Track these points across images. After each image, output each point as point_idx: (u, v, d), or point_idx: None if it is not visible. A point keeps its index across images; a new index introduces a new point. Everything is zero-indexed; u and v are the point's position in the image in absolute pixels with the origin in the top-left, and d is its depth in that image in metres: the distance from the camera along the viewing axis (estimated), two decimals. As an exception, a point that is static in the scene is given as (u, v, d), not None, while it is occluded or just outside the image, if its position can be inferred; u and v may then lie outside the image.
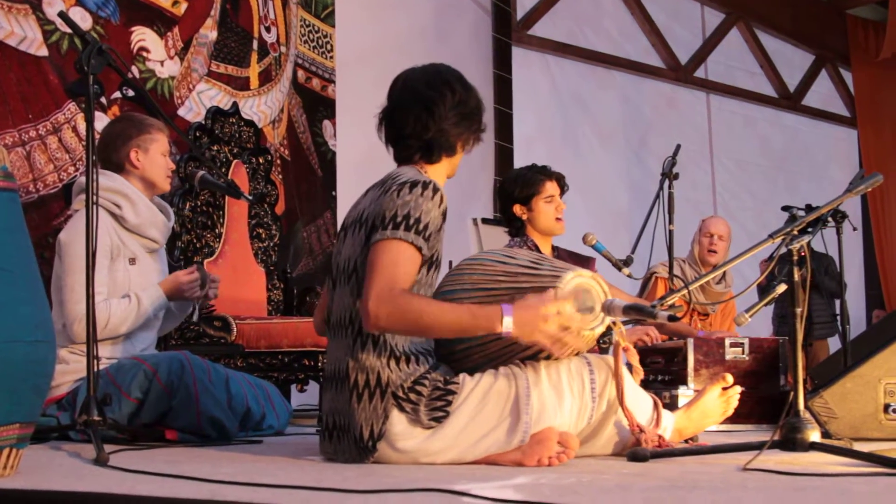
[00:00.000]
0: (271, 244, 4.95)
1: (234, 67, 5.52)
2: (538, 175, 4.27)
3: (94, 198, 2.85)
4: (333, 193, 6.26)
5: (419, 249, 2.45)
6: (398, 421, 2.46)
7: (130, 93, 4.69)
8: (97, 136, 3.31)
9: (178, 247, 4.38)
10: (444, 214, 2.52)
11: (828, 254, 7.08)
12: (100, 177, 3.35)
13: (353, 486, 2.07)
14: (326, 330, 2.71)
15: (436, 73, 2.67)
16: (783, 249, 2.69)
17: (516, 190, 4.25)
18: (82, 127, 4.57)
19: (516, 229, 4.32)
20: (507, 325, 2.39)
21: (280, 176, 5.65)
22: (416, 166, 2.65)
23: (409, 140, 2.65)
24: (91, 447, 2.66)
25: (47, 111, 4.48)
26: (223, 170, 4.64)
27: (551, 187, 4.25)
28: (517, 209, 4.25)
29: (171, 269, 3.77)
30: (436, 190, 2.49)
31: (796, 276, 2.62)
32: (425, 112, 2.62)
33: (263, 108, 5.67)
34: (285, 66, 5.92)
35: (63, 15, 3.04)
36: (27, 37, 4.43)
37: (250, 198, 4.09)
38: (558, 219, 4.25)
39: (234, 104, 4.95)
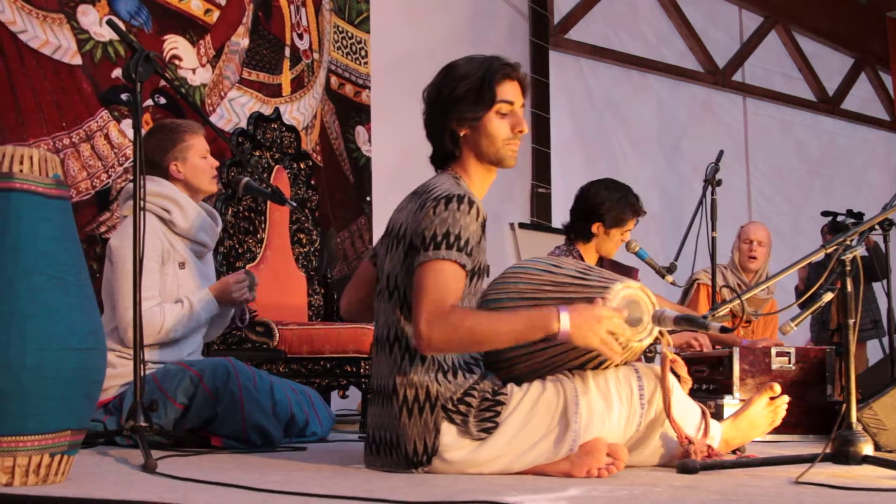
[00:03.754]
0: (312, 249, 4.95)
1: (266, 74, 5.55)
2: (633, 209, 4.22)
3: (142, 203, 2.86)
4: (368, 199, 6.28)
5: (463, 266, 2.44)
6: (447, 432, 2.45)
7: (162, 100, 4.74)
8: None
9: (221, 252, 4.39)
10: (482, 226, 2.51)
11: (877, 245, 7.00)
12: (148, 182, 3.38)
13: (403, 496, 2.06)
14: (374, 344, 2.69)
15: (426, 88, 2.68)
16: (821, 257, 2.66)
17: (610, 214, 4.18)
18: (114, 135, 4.62)
19: (576, 237, 4.28)
20: (565, 322, 2.36)
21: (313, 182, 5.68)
22: (450, 171, 2.64)
23: (435, 152, 2.68)
24: (138, 452, 2.68)
25: (80, 119, 4.53)
26: (265, 175, 4.65)
27: (632, 224, 4.25)
28: (597, 227, 4.21)
29: (215, 274, 3.78)
30: (471, 203, 2.46)
31: (849, 287, 2.59)
32: (425, 128, 2.66)
33: (296, 114, 5.69)
34: (318, 72, 5.94)
35: (112, 23, 3.06)
36: (61, 46, 4.49)
37: (294, 204, 4.09)
38: (616, 248, 4.27)
39: (277, 110, 4.97)
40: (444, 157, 2.66)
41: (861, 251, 2.61)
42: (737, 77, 9.61)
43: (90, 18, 4.55)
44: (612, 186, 4.27)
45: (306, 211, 4.95)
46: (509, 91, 2.62)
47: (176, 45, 5.02)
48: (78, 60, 4.53)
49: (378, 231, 6.17)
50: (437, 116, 2.62)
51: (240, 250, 4.52)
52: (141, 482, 2.32)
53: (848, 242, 2.59)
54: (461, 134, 2.61)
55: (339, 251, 5.99)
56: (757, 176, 9.69)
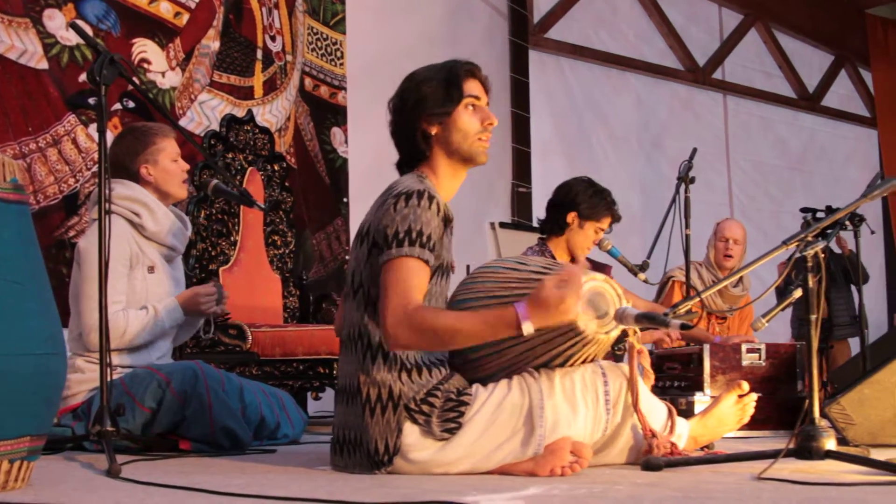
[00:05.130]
0: (287, 251, 4.95)
1: (238, 77, 5.54)
2: (609, 207, 4.24)
3: (107, 206, 2.85)
4: (345, 200, 6.27)
5: (426, 262, 2.45)
6: (410, 432, 2.46)
7: (131, 104, 4.73)
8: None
9: (194, 255, 4.38)
10: (444, 221, 2.51)
11: (853, 253, 7.01)
12: (118, 185, 3.37)
13: (363, 497, 2.06)
14: (340, 343, 2.70)
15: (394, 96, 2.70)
16: (798, 255, 2.66)
17: (585, 203, 4.21)
18: (82, 139, 4.61)
19: (550, 230, 4.29)
20: (528, 329, 2.35)
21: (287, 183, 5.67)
22: (417, 172, 2.65)
23: (403, 156, 2.70)
24: (104, 457, 2.67)
25: (47, 123, 4.52)
26: (238, 178, 4.64)
27: (606, 223, 4.26)
28: (571, 216, 4.23)
29: (186, 278, 3.77)
30: (431, 198, 2.48)
31: (811, 283, 2.59)
32: (396, 130, 2.68)
33: (268, 116, 5.68)
34: (291, 74, 5.93)
35: (75, 25, 3.04)
36: (27, 50, 4.47)
37: (263, 206, 4.08)
38: (588, 248, 4.27)
39: (250, 112, 4.96)
40: (413, 159, 2.67)
41: (822, 245, 2.61)
42: (717, 75, 9.64)
43: (56, 22, 4.54)
44: (588, 181, 4.31)
45: (280, 213, 4.94)
46: (474, 87, 2.67)
47: (145, 48, 5.00)
48: (44, 65, 4.52)
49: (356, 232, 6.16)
50: (407, 118, 2.64)
51: (213, 253, 4.50)
52: (102, 487, 2.31)
53: (808, 238, 2.59)
54: (432, 133, 2.63)
55: (315, 253, 5.98)
56: (738, 173, 9.72)
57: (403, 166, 2.70)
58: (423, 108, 2.62)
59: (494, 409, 2.49)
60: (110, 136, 3.90)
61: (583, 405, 2.55)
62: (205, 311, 3.50)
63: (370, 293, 2.51)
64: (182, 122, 5.07)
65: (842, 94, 10.77)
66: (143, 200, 3.44)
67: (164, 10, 5.14)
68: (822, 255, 2.63)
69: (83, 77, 4.57)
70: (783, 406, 4.03)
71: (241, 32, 5.60)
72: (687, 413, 3.63)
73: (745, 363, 4.07)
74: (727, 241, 5.31)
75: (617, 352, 3.95)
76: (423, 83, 2.63)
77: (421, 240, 2.44)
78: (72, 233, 4.51)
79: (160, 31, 5.12)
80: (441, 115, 2.61)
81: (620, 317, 2.50)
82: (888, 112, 10.50)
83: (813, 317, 2.59)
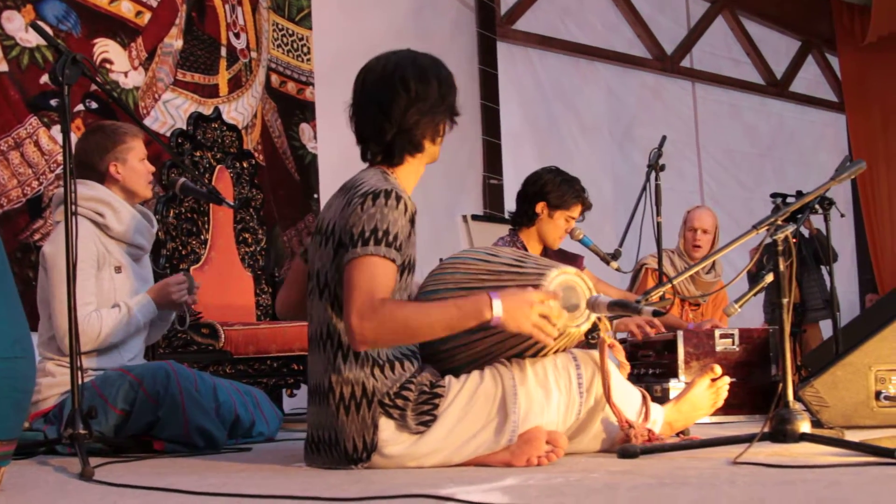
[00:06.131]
0: (258, 248, 4.92)
1: (202, 75, 5.49)
2: (579, 196, 4.29)
3: (73, 208, 2.81)
4: (316, 196, 6.24)
5: (393, 261, 2.42)
6: (386, 427, 2.44)
7: (94, 105, 4.68)
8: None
9: (164, 255, 4.34)
10: (411, 220, 2.49)
11: (820, 232, 7.04)
12: (80, 186, 3.33)
13: (338, 493, 2.05)
14: (308, 343, 2.67)
15: (392, 69, 2.58)
16: (769, 239, 2.67)
17: (554, 193, 4.23)
18: (45, 141, 4.56)
19: (521, 221, 4.30)
20: (497, 309, 2.34)
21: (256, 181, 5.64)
22: (381, 168, 2.61)
23: (368, 143, 2.62)
24: (77, 461, 2.64)
25: (8, 126, 4.47)
26: (207, 176, 4.60)
27: (577, 212, 4.28)
28: (540, 206, 4.24)
29: (157, 277, 3.74)
30: (398, 198, 2.44)
31: (782, 267, 2.60)
32: (381, 115, 2.56)
33: (234, 114, 5.64)
34: (257, 71, 5.89)
35: (36, 26, 3.00)
36: (-15, 53, 4.43)
37: (232, 204, 4.05)
38: (560, 237, 4.29)
39: (216, 109, 4.92)
40: (405, 152, 2.59)
41: (791, 229, 2.61)
42: (685, 63, 9.66)
43: (15, 24, 4.49)
44: (557, 171, 4.32)
45: (251, 210, 4.91)
46: None
47: (106, 48, 4.95)
48: (4, 67, 4.47)
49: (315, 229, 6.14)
50: (437, 112, 2.59)
51: (183, 252, 4.47)
52: (74, 491, 2.29)
53: (778, 222, 2.60)
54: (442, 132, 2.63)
55: (287, 249, 5.96)
56: (708, 160, 9.75)
57: (382, 153, 2.60)
58: (450, 111, 2.62)
59: (468, 400, 2.49)
60: (74, 138, 3.87)
61: (556, 389, 2.55)
62: (177, 300, 3.47)
63: (337, 293, 2.48)
64: (146, 122, 5.02)
65: (809, 79, 10.83)
66: (107, 200, 3.41)
67: (126, 9, 5.09)
68: (793, 239, 2.64)
69: (44, 79, 4.52)
70: (757, 390, 4.06)
71: (205, 30, 5.56)
72: (662, 400, 3.63)
73: (718, 349, 4.08)
74: (696, 230, 5.32)
75: (591, 340, 3.95)
76: (453, 89, 2.62)
77: (387, 239, 2.41)
78: (37, 236, 4.46)
79: (122, 30, 5.06)
80: (452, 120, 2.63)
81: (593, 305, 2.50)
82: (855, 96, 10.58)
83: (784, 300, 2.60)
